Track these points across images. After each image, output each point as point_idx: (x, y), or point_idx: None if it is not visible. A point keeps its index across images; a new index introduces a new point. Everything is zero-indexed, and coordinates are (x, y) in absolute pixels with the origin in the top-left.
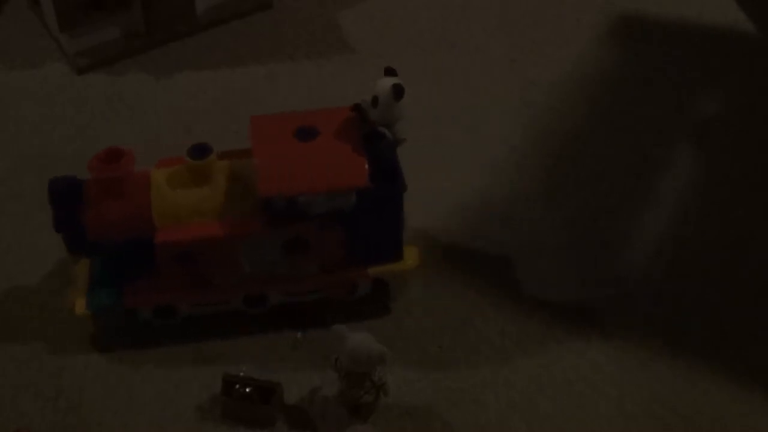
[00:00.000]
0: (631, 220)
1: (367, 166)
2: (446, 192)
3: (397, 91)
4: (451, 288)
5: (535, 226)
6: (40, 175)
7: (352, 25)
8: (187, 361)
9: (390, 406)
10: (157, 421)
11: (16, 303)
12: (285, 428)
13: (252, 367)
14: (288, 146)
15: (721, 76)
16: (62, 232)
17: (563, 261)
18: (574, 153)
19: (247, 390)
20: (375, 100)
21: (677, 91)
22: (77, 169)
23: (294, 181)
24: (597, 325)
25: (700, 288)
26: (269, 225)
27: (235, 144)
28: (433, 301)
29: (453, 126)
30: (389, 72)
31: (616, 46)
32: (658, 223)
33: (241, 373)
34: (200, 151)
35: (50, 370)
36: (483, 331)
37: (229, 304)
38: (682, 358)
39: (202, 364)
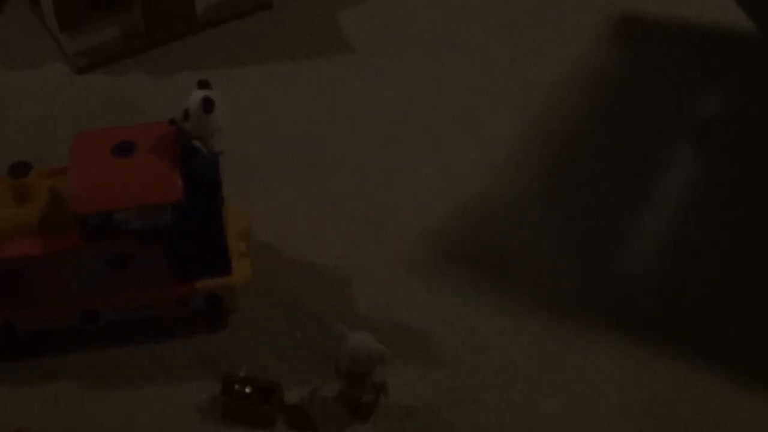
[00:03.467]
0: (631, 220)
1: (180, 181)
2: (446, 192)
3: (207, 104)
4: (451, 288)
5: (535, 226)
6: None
7: (352, 25)
8: (187, 361)
9: (390, 406)
10: (157, 421)
11: None
12: (285, 428)
13: (252, 367)
14: (103, 162)
15: (721, 76)
16: None
17: (563, 261)
18: (574, 153)
19: (247, 390)
20: (186, 114)
21: (677, 91)
22: None
23: (105, 198)
24: (597, 325)
25: (700, 288)
26: (87, 242)
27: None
28: (433, 301)
29: (453, 126)
30: (202, 85)
31: (616, 46)
32: (658, 223)
33: (241, 373)
34: (19, 169)
35: (50, 370)
36: (483, 331)
37: (65, 321)
38: (682, 358)
39: (202, 364)
